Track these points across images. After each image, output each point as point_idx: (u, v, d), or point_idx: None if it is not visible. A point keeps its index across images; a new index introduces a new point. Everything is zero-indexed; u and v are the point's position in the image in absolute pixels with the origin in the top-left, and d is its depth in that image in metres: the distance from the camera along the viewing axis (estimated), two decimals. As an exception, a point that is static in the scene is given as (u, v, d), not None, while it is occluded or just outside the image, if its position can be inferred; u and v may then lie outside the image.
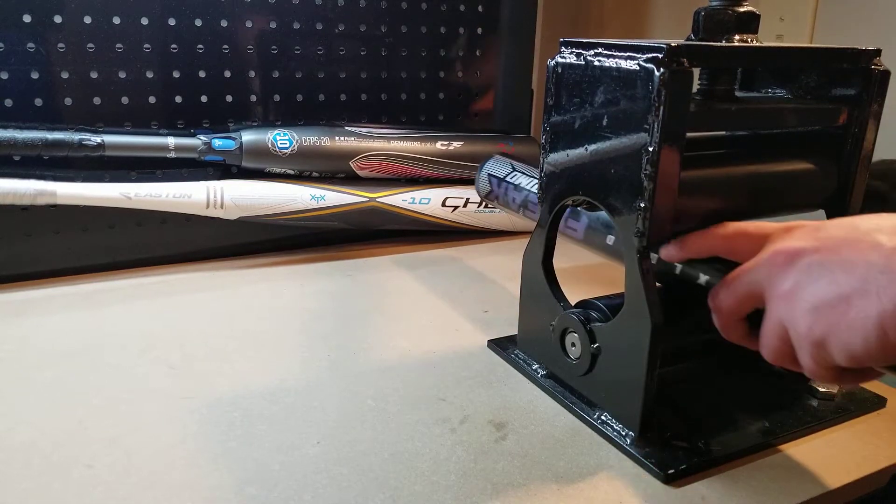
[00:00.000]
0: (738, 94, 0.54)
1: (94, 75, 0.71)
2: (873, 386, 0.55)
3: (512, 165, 0.69)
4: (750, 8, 0.48)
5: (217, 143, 0.75)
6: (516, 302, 0.58)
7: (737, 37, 0.48)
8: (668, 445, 0.47)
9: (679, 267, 0.49)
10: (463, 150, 0.86)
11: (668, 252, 0.47)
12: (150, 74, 0.73)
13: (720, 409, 0.52)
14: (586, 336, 0.50)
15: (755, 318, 0.42)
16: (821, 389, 0.53)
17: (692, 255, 0.47)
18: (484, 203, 0.87)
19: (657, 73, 0.41)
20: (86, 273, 0.74)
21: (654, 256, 0.52)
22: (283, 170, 0.79)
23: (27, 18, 0.67)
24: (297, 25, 0.79)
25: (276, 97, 0.81)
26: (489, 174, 0.70)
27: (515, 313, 0.59)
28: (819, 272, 0.37)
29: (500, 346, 0.60)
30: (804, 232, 0.40)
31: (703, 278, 0.48)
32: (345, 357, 0.59)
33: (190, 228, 0.79)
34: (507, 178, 0.68)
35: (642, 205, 0.44)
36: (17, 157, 0.69)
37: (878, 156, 0.53)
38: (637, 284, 0.45)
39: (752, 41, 0.48)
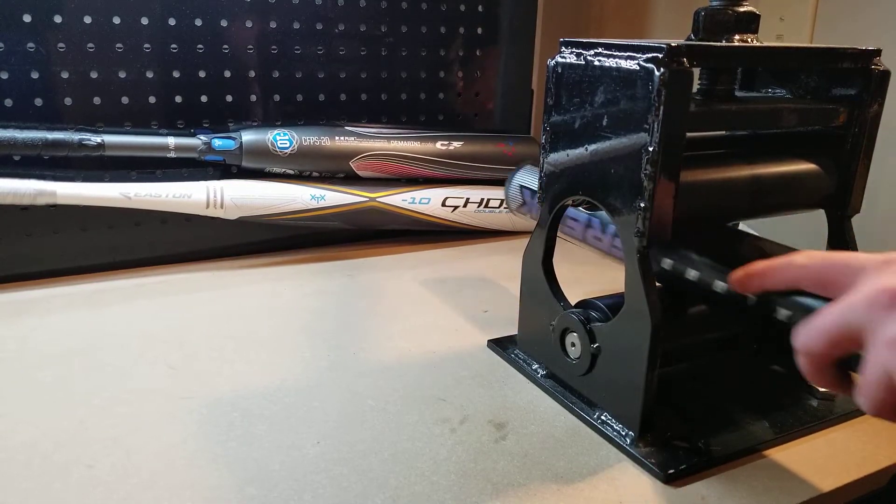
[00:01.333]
0: (738, 94, 0.54)
1: (94, 75, 0.71)
2: (873, 386, 0.55)
3: None
4: (750, 8, 0.48)
5: (217, 143, 0.75)
6: (516, 302, 0.58)
7: (737, 37, 0.48)
8: (668, 445, 0.47)
9: (751, 298, 0.44)
10: (463, 150, 0.86)
11: (742, 283, 0.43)
12: (150, 74, 0.73)
13: (720, 409, 0.52)
14: (586, 336, 0.50)
15: (847, 361, 0.37)
16: (821, 389, 0.53)
17: (771, 287, 0.42)
18: (484, 203, 0.87)
19: (657, 73, 0.41)
20: (86, 273, 0.74)
21: (666, 261, 0.52)
22: (283, 170, 0.79)
23: (27, 18, 0.67)
24: (297, 25, 0.79)
25: (276, 97, 0.81)
26: (521, 185, 0.66)
27: (515, 313, 0.59)
28: None
29: (500, 346, 0.60)
30: None
31: (783, 314, 0.42)
32: (345, 357, 0.59)
33: (190, 228, 0.79)
34: None
35: (642, 205, 0.44)
36: (17, 157, 0.69)
37: (877, 157, 0.53)
38: (637, 284, 0.45)
39: (752, 41, 0.49)
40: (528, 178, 0.66)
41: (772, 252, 0.44)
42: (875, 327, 0.34)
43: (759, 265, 0.43)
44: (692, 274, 0.48)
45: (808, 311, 0.40)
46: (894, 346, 0.33)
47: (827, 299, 0.39)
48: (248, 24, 0.77)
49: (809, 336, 0.38)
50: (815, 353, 0.38)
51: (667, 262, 0.51)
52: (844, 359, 0.38)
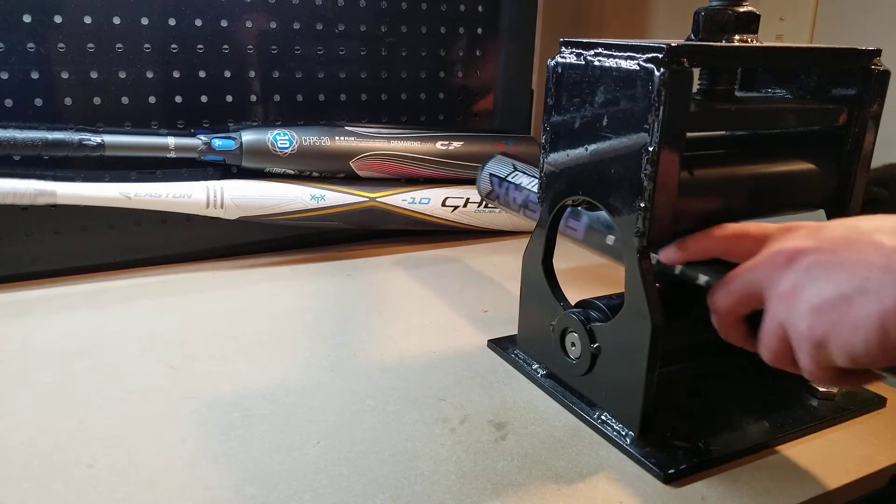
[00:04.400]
0: (738, 94, 0.54)
1: (94, 75, 0.71)
2: (873, 386, 0.55)
3: (513, 165, 0.69)
4: (750, 8, 0.48)
5: (217, 143, 0.75)
6: (516, 302, 0.58)
7: (737, 37, 0.48)
8: (668, 445, 0.47)
9: (678, 268, 0.49)
10: (463, 150, 0.86)
11: (668, 254, 0.47)
12: (150, 74, 0.73)
13: (720, 409, 0.52)
14: (586, 336, 0.50)
15: (754, 319, 0.42)
16: (821, 389, 0.53)
17: (692, 257, 0.46)
18: (484, 203, 0.87)
19: (657, 73, 0.41)
20: (86, 273, 0.74)
21: (653, 257, 0.52)
22: (283, 170, 0.79)
23: (27, 18, 0.67)
24: (297, 25, 0.79)
25: (276, 97, 0.81)
26: (490, 174, 0.70)
27: (515, 313, 0.59)
28: (819, 272, 0.37)
29: (500, 346, 0.60)
30: (804, 232, 0.40)
31: (702, 279, 0.47)
32: (345, 357, 0.59)
33: (190, 228, 0.79)
34: (509, 178, 0.68)
35: (642, 205, 0.44)
36: (17, 157, 0.69)
37: (877, 157, 0.53)
38: (637, 284, 0.45)
39: (752, 41, 0.48)
40: (496, 167, 0.70)
41: None
42: (771, 284, 0.40)
43: (684, 238, 0.46)
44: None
45: (720, 275, 0.44)
46: (785, 299, 0.38)
47: (738, 265, 0.43)
48: (248, 24, 0.77)
49: (719, 296, 0.43)
50: (724, 310, 0.43)
51: (610, 239, 0.54)
52: (751, 316, 0.42)
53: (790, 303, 0.38)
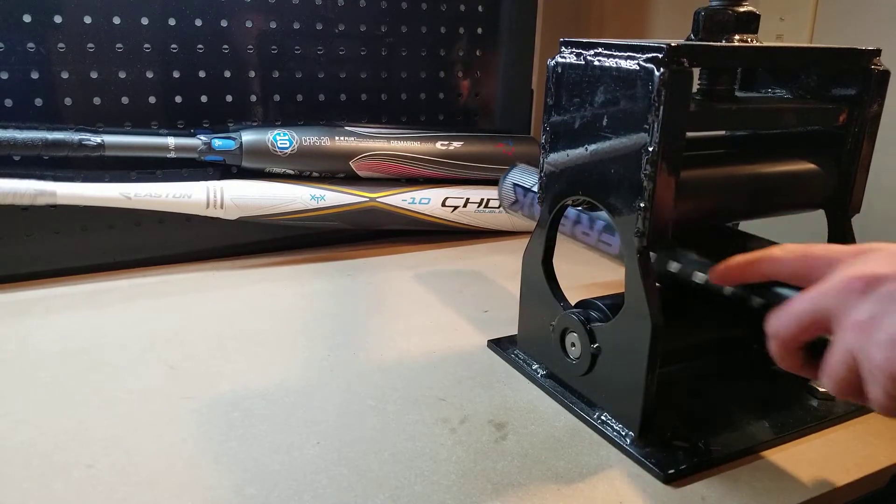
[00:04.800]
0: (738, 94, 0.54)
1: (94, 75, 0.71)
2: (873, 386, 0.55)
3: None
4: (750, 8, 0.48)
5: (217, 143, 0.75)
6: (516, 302, 0.58)
7: (737, 37, 0.48)
8: (668, 445, 0.47)
9: (728, 289, 0.46)
10: (463, 150, 0.86)
11: (719, 276, 0.44)
12: (150, 74, 0.73)
13: (720, 409, 0.52)
14: (586, 336, 0.50)
15: (814, 345, 0.40)
16: (821, 389, 0.53)
17: (748, 280, 0.44)
18: (484, 203, 0.87)
19: (657, 73, 0.41)
20: (86, 273, 0.74)
21: (701, 276, 0.51)
22: (283, 170, 0.79)
23: (27, 18, 0.67)
24: (297, 25, 0.79)
25: (276, 97, 0.81)
26: (514, 184, 0.68)
27: (515, 313, 0.59)
28: None
29: (500, 346, 0.60)
30: (882, 256, 0.37)
31: (756, 301, 0.44)
32: (345, 357, 0.59)
33: (190, 228, 0.79)
34: (535, 189, 0.66)
35: (642, 205, 0.44)
36: (17, 157, 0.69)
37: (877, 157, 0.53)
38: (637, 284, 0.45)
39: (752, 41, 0.49)
40: (521, 176, 0.68)
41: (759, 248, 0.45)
42: (844, 311, 0.36)
43: (739, 259, 0.44)
44: (674, 266, 0.50)
45: (781, 299, 0.41)
46: (860, 328, 0.35)
47: (800, 289, 0.40)
48: (248, 24, 0.77)
49: (782, 321, 0.40)
50: (787, 336, 0.40)
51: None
52: (811, 344, 0.40)
53: (866, 333, 0.35)
